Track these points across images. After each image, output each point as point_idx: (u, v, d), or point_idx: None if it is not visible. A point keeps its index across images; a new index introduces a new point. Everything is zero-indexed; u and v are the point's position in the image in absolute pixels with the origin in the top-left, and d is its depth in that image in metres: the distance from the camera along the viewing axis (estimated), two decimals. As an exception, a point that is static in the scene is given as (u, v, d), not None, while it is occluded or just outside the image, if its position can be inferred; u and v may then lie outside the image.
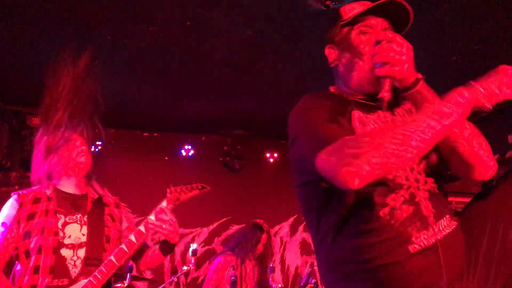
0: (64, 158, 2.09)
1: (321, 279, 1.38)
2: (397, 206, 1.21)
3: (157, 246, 2.22)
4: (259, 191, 5.15)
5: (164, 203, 2.07)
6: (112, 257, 1.97)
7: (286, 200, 5.15)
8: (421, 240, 1.20)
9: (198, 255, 3.88)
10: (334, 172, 1.06)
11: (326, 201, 1.27)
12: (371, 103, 1.32)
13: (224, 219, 4.98)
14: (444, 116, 1.06)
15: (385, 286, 1.18)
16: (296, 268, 4.99)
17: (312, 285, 3.31)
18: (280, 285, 3.24)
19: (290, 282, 4.86)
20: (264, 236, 4.12)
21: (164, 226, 2.04)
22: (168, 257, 4.73)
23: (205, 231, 4.94)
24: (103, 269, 1.95)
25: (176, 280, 3.16)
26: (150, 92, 4.01)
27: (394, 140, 1.03)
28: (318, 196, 1.29)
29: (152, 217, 2.04)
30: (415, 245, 1.20)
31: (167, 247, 2.18)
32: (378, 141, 1.04)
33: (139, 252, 2.22)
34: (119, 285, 3.19)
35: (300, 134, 1.24)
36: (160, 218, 2.04)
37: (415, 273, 1.18)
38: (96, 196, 2.16)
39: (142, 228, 2.02)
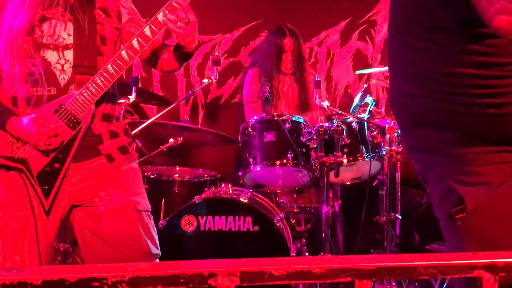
0: None
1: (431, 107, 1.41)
2: None
3: (171, 49, 2.22)
4: (300, -15, 4.98)
5: None
6: (109, 66, 1.99)
7: (338, -1, 5.01)
8: None
9: (221, 66, 3.94)
10: None
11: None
12: None
13: (253, 23, 4.92)
14: None
15: None
16: (347, 87, 5.07)
17: (368, 104, 3.41)
18: (326, 102, 3.35)
19: (338, 103, 4.99)
20: (288, 40, 4.08)
21: (178, 24, 1.99)
22: (182, 71, 4.87)
23: (228, 39, 4.93)
24: (98, 79, 1.99)
25: (194, 96, 3.28)
26: None
27: None
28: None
29: (161, 14, 1.99)
30: None
31: (181, 55, 2.19)
32: None
33: (154, 54, 2.25)
34: (122, 101, 3.36)
35: None
36: (174, 13, 1.97)
37: None
38: None
39: (147, 31, 1.99)
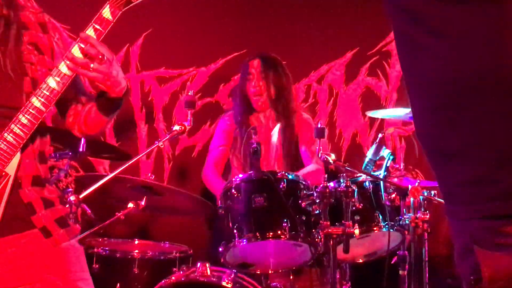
0: None
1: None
2: None
3: (93, 101, 2.29)
4: (294, 8, 5.03)
5: (107, 11, 2.06)
6: (34, 99, 2.03)
7: (342, 24, 5.07)
8: None
9: (196, 108, 3.92)
10: None
11: None
12: None
13: (235, 53, 4.96)
14: None
15: None
16: (354, 136, 5.10)
17: (385, 158, 3.40)
18: (332, 156, 3.32)
19: (343, 156, 4.99)
20: (256, 61, 4.17)
21: (92, 66, 2.06)
22: (144, 115, 4.85)
23: (203, 74, 4.95)
24: (23, 117, 2.02)
25: (161, 145, 3.22)
26: None
27: None
28: None
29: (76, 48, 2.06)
30: None
31: (106, 103, 2.22)
32: None
33: (63, 105, 2.29)
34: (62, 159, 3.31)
35: None
36: (86, 51, 2.06)
37: None
38: (6, 12, 2.16)
39: (62, 68, 2.04)
